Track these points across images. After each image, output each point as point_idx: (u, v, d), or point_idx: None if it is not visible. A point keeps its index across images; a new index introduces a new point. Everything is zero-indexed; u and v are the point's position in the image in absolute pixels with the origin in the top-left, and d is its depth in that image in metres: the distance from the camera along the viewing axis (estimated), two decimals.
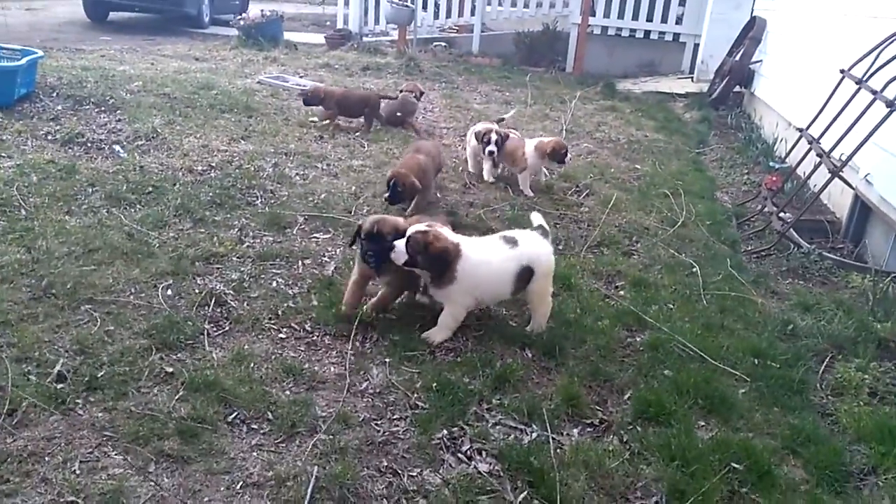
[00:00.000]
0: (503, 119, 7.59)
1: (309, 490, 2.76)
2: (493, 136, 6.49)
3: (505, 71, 12.38)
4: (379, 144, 7.51)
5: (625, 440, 3.34)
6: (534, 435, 3.28)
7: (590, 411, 3.51)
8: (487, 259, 3.91)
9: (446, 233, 3.93)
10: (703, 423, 3.50)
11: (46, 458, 2.80)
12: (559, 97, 10.58)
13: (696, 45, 13.06)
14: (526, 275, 3.95)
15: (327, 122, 7.97)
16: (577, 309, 4.41)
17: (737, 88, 11.12)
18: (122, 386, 3.25)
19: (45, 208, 5.02)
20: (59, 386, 3.20)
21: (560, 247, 5.44)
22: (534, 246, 4.03)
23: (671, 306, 4.62)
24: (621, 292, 4.80)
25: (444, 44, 14.25)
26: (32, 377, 3.24)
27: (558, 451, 3.19)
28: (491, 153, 6.55)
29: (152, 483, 2.74)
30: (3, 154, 5.92)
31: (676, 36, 13.53)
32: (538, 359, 3.90)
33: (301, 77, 10.31)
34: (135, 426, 3.00)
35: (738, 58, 10.81)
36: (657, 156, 8.30)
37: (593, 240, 5.61)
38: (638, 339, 4.21)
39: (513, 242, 3.99)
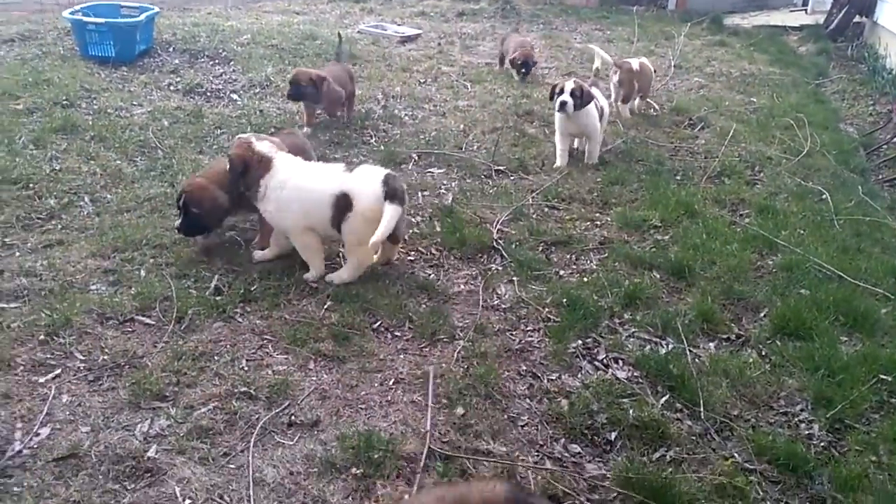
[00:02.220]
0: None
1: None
2: (570, 86, 5.32)
3: (603, 11, 11.99)
4: (482, 85, 7.51)
5: (763, 354, 3.31)
6: (669, 347, 3.30)
7: (725, 327, 3.48)
8: (302, 177, 3.58)
9: (264, 144, 3.61)
10: (845, 339, 3.42)
11: (216, 357, 3.06)
12: (663, 34, 10.18)
13: None
14: (342, 204, 3.53)
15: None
16: (703, 234, 4.33)
17: (857, 18, 10.34)
18: (274, 298, 3.49)
19: (179, 148, 5.34)
20: (217, 298, 3.47)
21: (678, 177, 5.33)
22: (361, 178, 3.57)
23: (802, 231, 4.47)
24: (747, 219, 4.67)
25: None
26: (193, 291, 3.52)
27: (696, 361, 3.19)
28: (563, 105, 5.32)
29: (314, 378, 2.96)
30: (135, 103, 6.30)
31: None
32: (666, 279, 3.89)
33: (399, 25, 10.36)
34: (291, 331, 3.22)
35: None
36: (773, 88, 7.89)
37: (713, 170, 5.44)
38: (769, 262, 4.11)
39: (347, 170, 3.64)
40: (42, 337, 3.10)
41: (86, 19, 7.22)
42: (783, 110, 7.06)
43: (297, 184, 3.56)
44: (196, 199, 3.74)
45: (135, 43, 7.50)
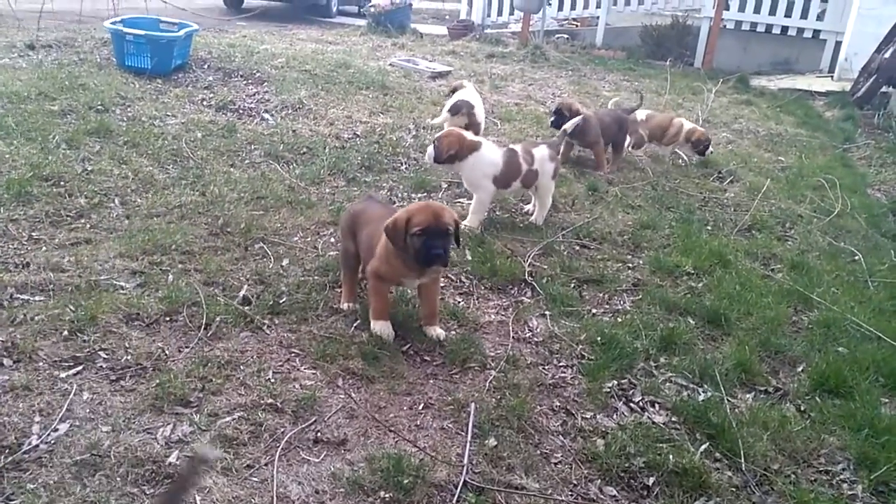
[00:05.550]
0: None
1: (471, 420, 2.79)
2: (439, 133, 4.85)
3: (630, 63, 12.15)
4: (512, 123, 7.55)
5: (802, 409, 3.19)
6: (708, 394, 3.19)
7: (762, 379, 3.38)
8: None
9: None
10: (886, 401, 3.30)
11: (241, 367, 2.97)
12: (691, 89, 10.27)
13: (838, 43, 12.34)
14: None
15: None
16: (737, 285, 4.25)
17: (884, 88, 10.43)
18: (303, 313, 3.41)
19: (211, 160, 5.34)
20: (246, 308, 3.39)
21: (709, 227, 5.28)
22: None
23: (836, 290, 4.38)
24: (779, 274, 4.60)
25: (566, 36, 14.14)
26: (220, 299, 3.45)
27: (735, 411, 3.08)
28: (427, 152, 4.80)
29: (342, 395, 2.86)
30: (168, 114, 6.33)
31: (816, 33, 12.82)
32: (702, 326, 3.80)
33: (430, 61, 10.49)
34: (320, 346, 3.14)
35: (887, 55, 10.15)
36: (801, 150, 7.91)
37: (743, 223, 5.39)
38: (804, 318, 4.03)
39: None
40: (66, 332, 3.02)
41: (125, 30, 7.31)
42: (812, 171, 7.04)
43: None
44: None
45: (171, 57, 7.59)
